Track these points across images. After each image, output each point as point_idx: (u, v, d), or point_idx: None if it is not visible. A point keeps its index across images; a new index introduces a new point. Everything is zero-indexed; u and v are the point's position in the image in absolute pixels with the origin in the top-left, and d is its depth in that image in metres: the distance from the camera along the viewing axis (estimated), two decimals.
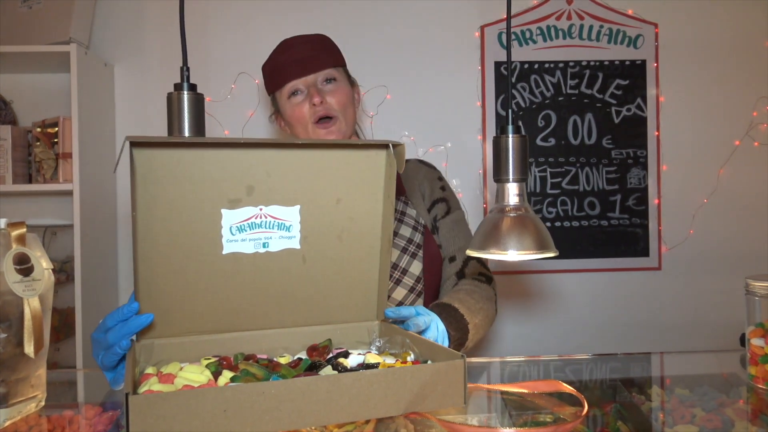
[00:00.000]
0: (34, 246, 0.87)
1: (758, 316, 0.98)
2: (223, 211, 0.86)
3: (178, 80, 0.87)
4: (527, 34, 2.27)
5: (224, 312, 0.91)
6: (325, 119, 1.33)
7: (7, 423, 0.82)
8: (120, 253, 2.21)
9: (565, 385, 0.94)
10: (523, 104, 2.26)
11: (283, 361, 0.88)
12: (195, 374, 0.79)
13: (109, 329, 0.86)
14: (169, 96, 0.87)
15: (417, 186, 1.42)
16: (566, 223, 2.27)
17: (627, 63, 2.27)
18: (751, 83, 2.30)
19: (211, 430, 0.68)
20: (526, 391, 0.95)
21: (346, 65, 1.43)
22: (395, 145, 0.93)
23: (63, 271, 2.00)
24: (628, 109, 2.28)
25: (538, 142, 2.27)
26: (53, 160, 1.97)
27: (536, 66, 2.26)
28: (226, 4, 2.22)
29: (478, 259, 1.36)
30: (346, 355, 0.88)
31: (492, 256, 0.88)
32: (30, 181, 2.03)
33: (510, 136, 0.89)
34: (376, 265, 0.98)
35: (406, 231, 1.35)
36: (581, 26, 2.27)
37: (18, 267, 0.83)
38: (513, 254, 0.87)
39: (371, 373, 0.76)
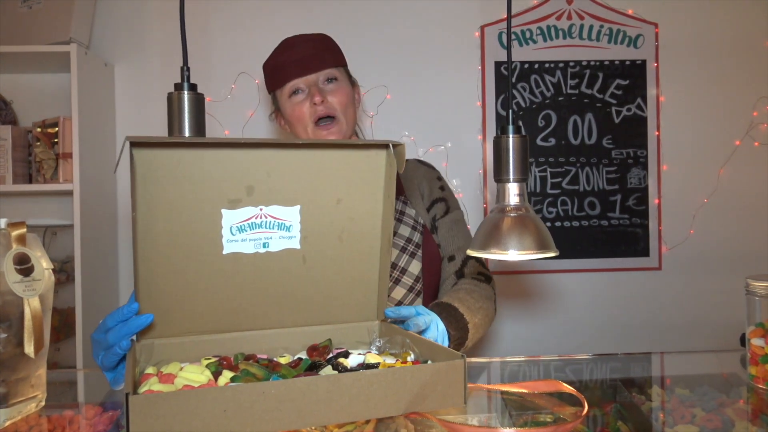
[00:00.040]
0: (34, 246, 0.87)
1: (758, 316, 0.98)
2: (223, 211, 0.86)
3: (179, 80, 0.87)
4: (527, 34, 2.27)
5: (224, 312, 0.91)
6: (326, 119, 1.33)
7: (8, 423, 0.82)
8: (120, 253, 2.21)
9: (565, 385, 0.94)
10: (523, 104, 2.26)
11: (283, 361, 0.88)
12: (195, 374, 0.79)
13: (109, 329, 0.86)
14: (170, 96, 0.86)
15: (416, 186, 1.42)
16: (566, 223, 2.27)
17: (627, 63, 2.27)
18: (751, 83, 2.30)
19: (211, 430, 0.68)
20: (526, 391, 0.95)
21: (347, 65, 1.43)
22: (395, 145, 0.92)
23: (63, 271, 2.00)
24: (629, 109, 2.28)
25: (539, 142, 2.27)
26: (53, 160, 1.97)
27: (536, 66, 2.26)
28: (226, 4, 2.22)
29: (477, 259, 1.36)
30: (346, 355, 0.88)
31: (493, 255, 0.88)
32: (30, 181, 2.03)
33: (510, 136, 0.88)
34: (376, 265, 0.98)
35: (405, 230, 1.35)
36: (581, 26, 2.27)
37: (18, 267, 0.83)
38: (514, 254, 0.87)
39: (371, 373, 0.76)
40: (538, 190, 2.27)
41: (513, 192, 0.89)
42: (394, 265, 1.31)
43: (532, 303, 2.32)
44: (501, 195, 0.91)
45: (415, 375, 0.77)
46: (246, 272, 0.90)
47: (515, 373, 1.14)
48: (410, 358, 0.88)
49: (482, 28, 2.25)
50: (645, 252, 2.28)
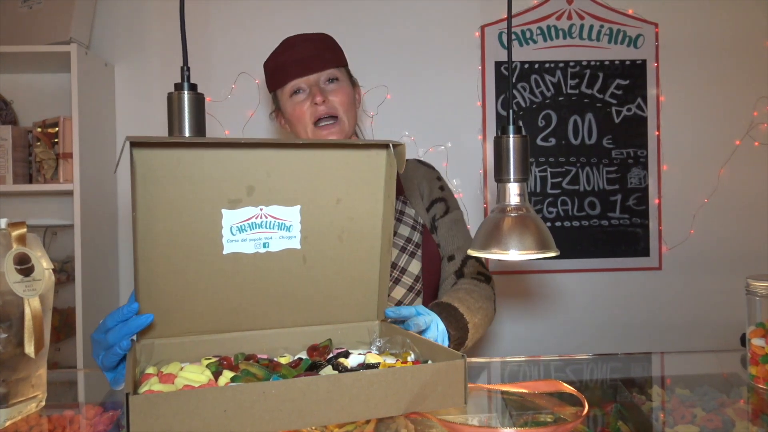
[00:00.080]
0: (34, 246, 0.87)
1: (759, 316, 0.98)
2: (223, 211, 0.86)
3: (179, 80, 0.87)
4: (527, 34, 2.27)
5: (225, 312, 0.91)
6: (327, 119, 1.33)
7: (8, 423, 0.82)
8: (120, 253, 2.21)
9: (565, 385, 0.94)
10: (523, 104, 2.26)
11: (283, 361, 0.88)
12: (195, 374, 0.79)
13: (109, 330, 0.85)
14: (170, 96, 0.86)
15: (416, 185, 1.42)
16: (566, 223, 2.27)
17: (627, 63, 2.27)
18: (751, 83, 2.30)
19: (211, 430, 0.68)
20: (526, 391, 0.95)
21: (348, 65, 1.43)
22: (395, 145, 0.92)
23: (63, 271, 2.00)
24: (629, 109, 2.28)
25: (539, 142, 2.27)
26: (54, 160, 1.97)
27: (536, 66, 2.26)
28: (226, 4, 2.22)
29: (477, 259, 1.36)
30: (346, 355, 0.88)
31: (493, 255, 0.88)
32: (30, 181, 2.03)
33: (511, 136, 0.88)
34: (376, 265, 0.98)
35: (404, 230, 1.35)
36: (581, 26, 2.27)
37: (18, 267, 0.83)
38: (514, 254, 0.87)
39: (371, 373, 0.76)
40: (538, 190, 2.27)
41: (513, 192, 0.89)
42: (393, 265, 1.31)
43: (532, 303, 2.32)
44: (501, 195, 0.91)
45: (416, 375, 0.77)
46: (246, 272, 0.90)
47: (515, 373, 1.14)
48: (410, 358, 0.88)
49: (482, 28, 2.25)
50: (645, 252, 2.28)
